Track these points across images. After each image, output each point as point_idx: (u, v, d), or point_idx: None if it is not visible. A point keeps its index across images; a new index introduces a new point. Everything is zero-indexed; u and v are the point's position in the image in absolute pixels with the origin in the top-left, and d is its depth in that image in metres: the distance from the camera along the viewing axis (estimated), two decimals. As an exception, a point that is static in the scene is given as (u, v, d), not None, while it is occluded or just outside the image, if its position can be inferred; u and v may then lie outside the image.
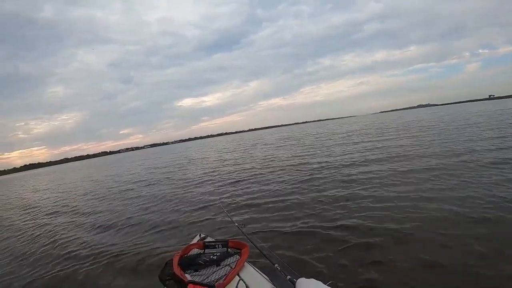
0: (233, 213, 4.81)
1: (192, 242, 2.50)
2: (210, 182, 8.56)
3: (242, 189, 6.70)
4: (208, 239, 2.56)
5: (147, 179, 11.94)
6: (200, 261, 2.09)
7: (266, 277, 1.83)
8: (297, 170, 8.03)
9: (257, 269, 1.92)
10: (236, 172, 9.48)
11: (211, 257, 2.12)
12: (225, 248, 2.25)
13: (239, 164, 11.55)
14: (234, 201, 5.72)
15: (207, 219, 4.94)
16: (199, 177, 9.86)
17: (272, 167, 9.41)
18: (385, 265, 2.72)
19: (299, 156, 11.27)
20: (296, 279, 1.52)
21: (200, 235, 2.67)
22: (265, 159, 11.99)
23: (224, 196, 6.38)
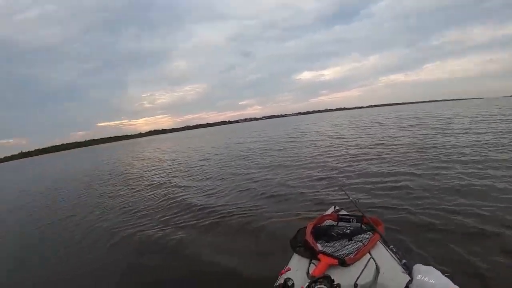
0: (349, 190, 4.68)
1: (326, 213, 2.56)
2: (325, 157, 8.67)
3: (358, 168, 6.59)
4: (343, 212, 2.58)
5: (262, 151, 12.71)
6: (332, 233, 2.11)
7: (398, 260, 1.66)
8: (418, 152, 7.47)
9: (389, 250, 1.79)
10: (353, 150, 9.32)
11: (344, 230, 2.12)
12: (359, 224, 2.23)
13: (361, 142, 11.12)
14: (350, 178, 5.76)
15: (319, 192, 5.05)
16: (312, 153, 9.90)
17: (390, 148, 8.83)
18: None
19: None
20: (412, 265, 1.43)
21: (334, 207, 2.70)
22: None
23: (340, 172, 6.42)
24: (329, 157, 8.57)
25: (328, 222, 2.37)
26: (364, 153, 8.33)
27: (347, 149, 9.67)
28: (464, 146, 7.50)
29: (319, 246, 1.92)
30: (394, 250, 1.65)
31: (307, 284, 1.32)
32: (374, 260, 1.72)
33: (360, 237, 2.04)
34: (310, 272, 1.65)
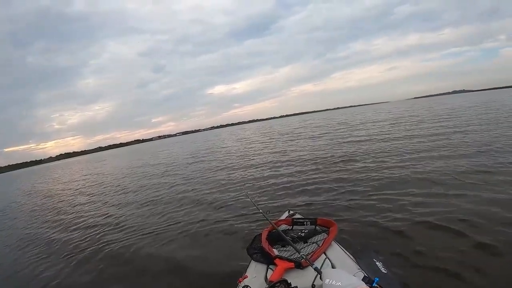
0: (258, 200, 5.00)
1: (280, 218, 2.57)
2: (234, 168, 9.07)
3: (265, 177, 6.98)
4: (297, 215, 2.62)
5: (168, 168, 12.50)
6: (288, 237, 2.10)
7: (352, 257, 1.80)
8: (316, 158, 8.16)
9: (344, 249, 1.89)
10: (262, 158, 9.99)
11: (299, 233, 2.15)
12: (313, 226, 2.26)
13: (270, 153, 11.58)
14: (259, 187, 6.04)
15: (231, 203, 5.24)
16: (224, 163, 10.47)
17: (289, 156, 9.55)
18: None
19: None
20: (368, 261, 1.71)
21: (289, 212, 2.73)
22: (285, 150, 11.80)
23: (249, 183, 6.65)
24: (232, 169, 8.93)
25: (283, 226, 2.37)
26: (264, 163, 9.04)
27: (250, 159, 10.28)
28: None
29: (275, 251, 1.93)
30: (349, 249, 1.81)
31: None
32: (330, 260, 1.75)
33: (315, 238, 2.08)
34: (267, 278, 1.66)
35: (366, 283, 1.28)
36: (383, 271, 1.71)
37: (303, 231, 2.19)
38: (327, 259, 1.77)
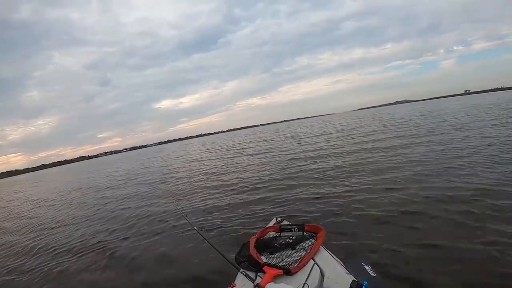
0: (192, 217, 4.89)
1: (268, 225, 2.56)
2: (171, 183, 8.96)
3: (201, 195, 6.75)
4: (285, 222, 2.59)
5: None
6: (276, 244, 2.13)
7: (340, 262, 1.83)
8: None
9: (332, 254, 1.91)
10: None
11: (287, 240, 2.16)
12: (301, 232, 2.24)
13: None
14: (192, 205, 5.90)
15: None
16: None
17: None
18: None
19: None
20: (356, 265, 1.74)
21: (276, 219, 2.69)
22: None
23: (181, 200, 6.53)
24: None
25: (271, 234, 2.36)
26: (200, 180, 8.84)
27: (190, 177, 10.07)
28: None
29: (263, 259, 1.92)
30: (338, 254, 1.87)
31: None
32: (318, 266, 1.76)
33: (303, 245, 2.08)
34: (256, 285, 1.62)
35: (355, 287, 1.39)
36: (372, 274, 1.71)
37: (291, 237, 2.20)
38: (315, 264, 1.78)
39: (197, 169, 12.02)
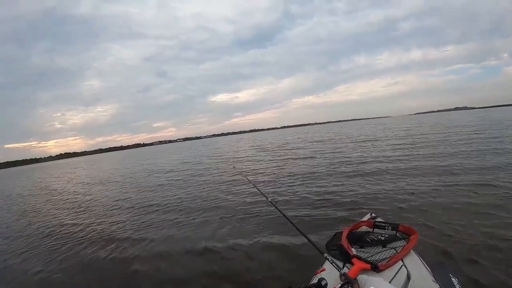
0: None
1: (362, 219, 2.57)
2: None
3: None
4: (379, 219, 2.59)
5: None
6: (367, 239, 2.15)
7: (429, 269, 1.78)
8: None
9: (421, 259, 1.88)
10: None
11: (379, 237, 2.16)
12: (394, 231, 2.23)
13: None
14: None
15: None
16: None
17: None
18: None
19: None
20: (445, 275, 1.69)
21: (371, 214, 2.70)
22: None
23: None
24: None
25: (364, 228, 2.38)
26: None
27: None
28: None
29: (353, 251, 1.94)
30: (427, 260, 1.81)
31: (339, 285, 1.44)
32: (406, 268, 1.74)
33: (394, 244, 2.06)
34: (343, 274, 1.60)
35: None
36: (458, 287, 1.67)
37: (383, 235, 2.19)
38: (403, 266, 1.76)
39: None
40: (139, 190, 8.70)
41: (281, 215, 2.38)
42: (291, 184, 6.64)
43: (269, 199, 2.75)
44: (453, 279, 1.70)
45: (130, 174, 14.02)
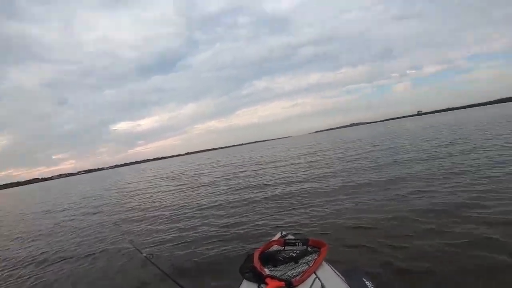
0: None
1: (273, 239, 2.58)
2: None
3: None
4: (289, 236, 2.60)
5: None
6: (279, 257, 2.14)
7: (342, 277, 1.85)
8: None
9: (333, 269, 1.95)
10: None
11: (291, 254, 2.17)
12: (305, 246, 2.26)
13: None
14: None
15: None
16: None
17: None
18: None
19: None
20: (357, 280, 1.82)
21: (281, 233, 2.71)
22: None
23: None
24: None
25: (275, 247, 2.40)
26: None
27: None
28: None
29: (266, 271, 1.95)
30: (340, 268, 1.91)
31: None
32: (320, 280, 1.77)
33: (306, 259, 2.11)
34: None
35: None
36: None
37: (294, 251, 2.21)
38: (317, 278, 1.80)
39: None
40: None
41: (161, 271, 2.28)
42: (191, 217, 6.40)
43: (144, 254, 2.58)
44: (366, 282, 1.82)
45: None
